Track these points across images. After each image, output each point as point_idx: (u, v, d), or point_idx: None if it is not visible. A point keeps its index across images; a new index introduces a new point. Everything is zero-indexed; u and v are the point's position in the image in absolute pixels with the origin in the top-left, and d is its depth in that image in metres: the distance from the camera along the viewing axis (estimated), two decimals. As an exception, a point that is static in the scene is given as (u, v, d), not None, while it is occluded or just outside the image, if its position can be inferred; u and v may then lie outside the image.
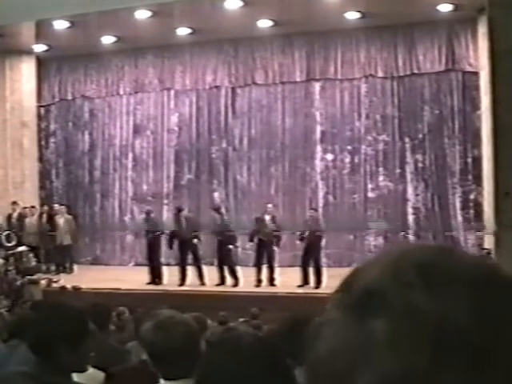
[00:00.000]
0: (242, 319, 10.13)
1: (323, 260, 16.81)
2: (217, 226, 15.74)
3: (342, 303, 0.74)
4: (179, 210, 16.40)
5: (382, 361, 0.69)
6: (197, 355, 2.77)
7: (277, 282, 15.16)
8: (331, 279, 14.97)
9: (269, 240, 15.25)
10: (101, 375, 4.20)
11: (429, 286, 0.70)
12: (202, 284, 15.44)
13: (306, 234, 15.13)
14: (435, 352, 0.68)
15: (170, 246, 16.15)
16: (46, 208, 18.81)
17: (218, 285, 15.33)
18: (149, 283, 15.81)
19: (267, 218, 15.50)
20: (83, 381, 3.19)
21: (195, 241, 15.67)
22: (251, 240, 15.69)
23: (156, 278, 15.93)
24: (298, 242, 15.64)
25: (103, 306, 6.62)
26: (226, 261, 15.49)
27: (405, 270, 0.72)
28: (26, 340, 3.16)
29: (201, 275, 15.50)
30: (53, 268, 17.75)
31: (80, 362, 3.04)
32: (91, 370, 3.58)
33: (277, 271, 15.32)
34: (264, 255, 15.31)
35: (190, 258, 15.77)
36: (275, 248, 15.40)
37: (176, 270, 15.78)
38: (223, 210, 16.42)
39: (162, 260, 16.57)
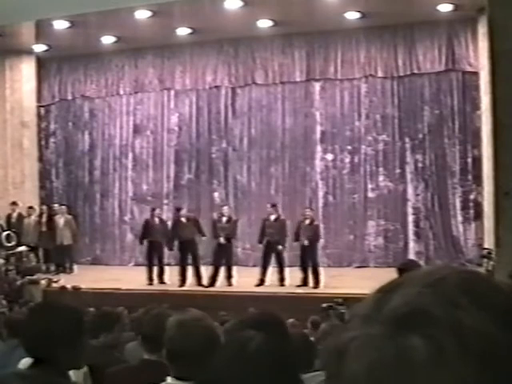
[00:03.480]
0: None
1: (323, 260, 16.83)
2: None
3: (375, 318, 0.75)
4: (178, 210, 16.41)
5: (427, 378, 0.69)
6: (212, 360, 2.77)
7: (286, 282, 15.14)
8: (331, 279, 15.04)
9: (276, 241, 15.23)
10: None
11: (474, 306, 0.72)
12: (200, 285, 15.42)
13: (303, 237, 15.10)
14: (482, 369, 0.69)
15: (170, 248, 16.17)
16: (45, 208, 18.79)
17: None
18: (149, 284, 15.81)
19: (272, 218, 15.51)
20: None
21: (197, 241, 15.67)
22: (260, 242, 15.68)
23: (158, 278, 15.93)
24: (294, 244, 15.62)
25: (111, 313, 6.51)
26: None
27: (449, 290, 0.74)
28: (23, 340, 3.15)
29: (199, 276, 15.50)
30: (53, 268, 17.75)
31: (77, 360, 3.04)
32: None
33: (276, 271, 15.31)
34: (271, 256, 15.31)
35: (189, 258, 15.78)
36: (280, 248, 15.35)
37: (176, 270, 15.78)
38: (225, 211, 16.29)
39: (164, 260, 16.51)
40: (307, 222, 15.31)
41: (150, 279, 15.91)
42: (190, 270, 15.62)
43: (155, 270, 16.02)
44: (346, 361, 0.74)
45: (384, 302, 0.76)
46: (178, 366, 3.01)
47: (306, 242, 15.03)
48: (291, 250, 15.88)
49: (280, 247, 15.17)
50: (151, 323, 4.30)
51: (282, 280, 15.12)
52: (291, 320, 9.14)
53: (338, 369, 0.75)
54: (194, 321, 3.07)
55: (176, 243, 15.98)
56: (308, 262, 15.04)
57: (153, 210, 16.88)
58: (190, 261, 15.68)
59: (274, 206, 15.89)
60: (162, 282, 15.92)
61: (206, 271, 15.64)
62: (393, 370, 0.70)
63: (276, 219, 15.47)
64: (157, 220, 16.41)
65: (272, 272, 15.34)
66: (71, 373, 3.11)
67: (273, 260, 15.33)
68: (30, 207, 18.67)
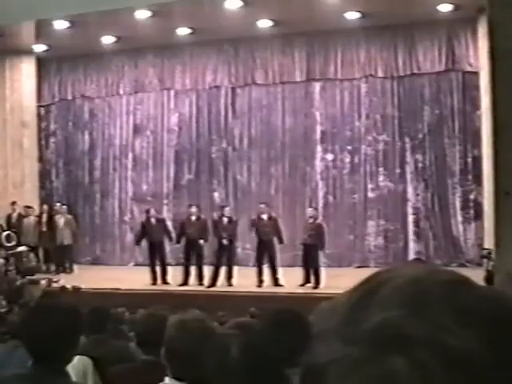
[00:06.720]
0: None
1: (323, 260, 16.80)
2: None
3: (353, 338, 0.70)
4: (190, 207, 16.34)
5: None
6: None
7: (281, 281, 15.07)
8: (331, 279, 15.01)
9: (269, 240, 15.24)
10: (87, 361, 4.22)
11: (458, 325, 0.68)
12: (201, 285, 15.42)
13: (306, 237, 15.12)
14: None
15: (178, 241, 16.08)
16: (45, 208, 18.78)
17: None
18: (152, 284, 15.76)
19: (265, 217, 15.48)
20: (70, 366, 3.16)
21: (201, 242, 15.57)
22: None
23: (161, 278, 15.86)
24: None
25: (101, 310, 6.50)
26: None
27: (433, 309, 0.69)
28: (23, 340, 3.16)
29: (201, 276, 15.50)
30: (53, 268, 17.74)
31: (72, 356, 3.04)
32: (77, 356, 3.57)
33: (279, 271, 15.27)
34: (265, 255, 15.30)
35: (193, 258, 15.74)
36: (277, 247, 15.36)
37: (176, 269, 15.77)
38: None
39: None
40: (310, 221, 15.34)
41: (154, 279, 15.87)
42: (192, 270, 15.63)
43: (158, 270, 15.98)
44: None
45: (360, 317, 0.70)
46: (177, 365, 3.00)
47: (308, 241, 15.05)
48: (292, 251, 15.87)
49: (274, 246, 15.21)
50: (147, 324, 4.30)
51: (276, 280, 15.09)
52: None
53: None
54: (194, 321, 3.07)
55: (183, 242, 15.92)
56: (309, 263, 15.02)
57: (147, 211, 16.74)
58: (193, 260, 15.66)
59: (266, 205, 15.90)
60: (165, 282, 15.87)
61: (207, 271, 15.63)
62: None
63: (270, 218, 15.49)
64: (153, 220, 16.32)
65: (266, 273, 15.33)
66: (70, 368, 3.10)
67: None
68: (29, 207, 18.64)
